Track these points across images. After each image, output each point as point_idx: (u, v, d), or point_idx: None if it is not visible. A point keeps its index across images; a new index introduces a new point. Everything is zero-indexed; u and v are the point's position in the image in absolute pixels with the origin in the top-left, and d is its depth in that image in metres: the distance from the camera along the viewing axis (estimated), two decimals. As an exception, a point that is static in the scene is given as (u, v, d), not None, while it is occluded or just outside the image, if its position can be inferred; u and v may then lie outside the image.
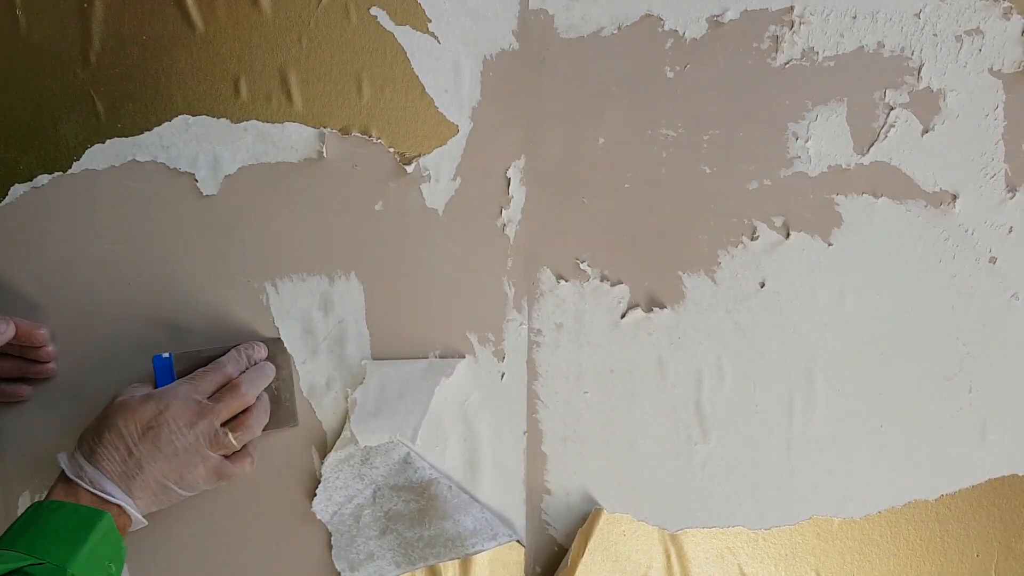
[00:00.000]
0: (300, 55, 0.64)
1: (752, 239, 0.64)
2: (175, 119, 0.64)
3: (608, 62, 0.64)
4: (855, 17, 0.62)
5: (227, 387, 0.58)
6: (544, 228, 0.65)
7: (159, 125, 0.64)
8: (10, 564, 0.48)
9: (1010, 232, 0.63)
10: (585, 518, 0.65)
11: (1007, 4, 0.61)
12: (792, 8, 0.62)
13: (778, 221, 0.64)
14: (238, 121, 0.64)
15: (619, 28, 0.63)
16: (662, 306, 0.64)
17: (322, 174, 0.64)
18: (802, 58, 0.63)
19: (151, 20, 0.64)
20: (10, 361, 0.62)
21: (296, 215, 0.64)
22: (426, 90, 0.64)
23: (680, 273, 0.64)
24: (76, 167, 0.64)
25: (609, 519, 0.64)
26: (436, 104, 0.64)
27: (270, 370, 0.62)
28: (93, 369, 0.64)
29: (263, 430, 0.60)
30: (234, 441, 0.57)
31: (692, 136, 0.63)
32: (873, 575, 0.65)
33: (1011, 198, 0.63)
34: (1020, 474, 0.64)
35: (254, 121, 0.64)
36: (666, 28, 0.63)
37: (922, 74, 0.62)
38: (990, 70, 0.62)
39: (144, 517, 0.55)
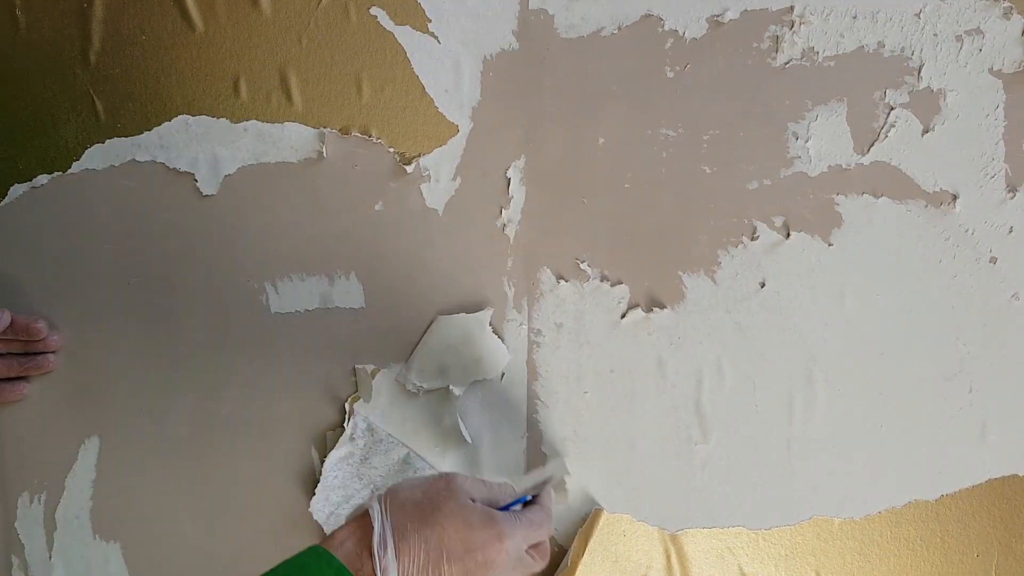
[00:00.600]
0: (300, 55, 0.64)
1: (752, 239, 0.64)
2: (175, 119, 0.64)
3: (608, 62, 0.63)
4: (855, 17, 0.62)
5: (540, 544, 0.53)
6: (544, 228, 0.65)
7: (159, 125, 0.64)
8: None
9: (1010, 232, 0.63)
10: (585, 518, 0.65)
11: (1007, 4, 0.61)
12: (792, 8, 0.62)
13: (778, 221, 0.64)
14: (238, 121, 0.64)
15: (619, 28, 0.63)
16: (662, 306, 0.64)
17: (322, 174, 0.64)
18: (802, 58, 0.63)
19: (151, 20, 0.64)
20: (9, 360, 0.62)
21: (296, 215, 0.64)
22: (426, 90, 0.64)
23: (680, 273, 0.64)
24: (76, 167, 0.64)
25: (609, 519, 0.64)
26: (436, 104, 0.64)
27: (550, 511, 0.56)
28: (93, 369, 0.64)
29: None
30: (535, 567, 0.52)
31: (692, 136, 0.63)
32: (873, 575, 0.65)
33: (1011, 198, 0.63)
34: (1020, 474, 0.64)
35: (254, 121, 0.64)
36: (666, 28, 0.63)
37: (922, 74, 0.62)
38: (990, 70, 0.62)
39: None
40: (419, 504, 0.49)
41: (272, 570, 0.46)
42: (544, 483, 0.57)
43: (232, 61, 0.64)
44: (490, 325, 0.62)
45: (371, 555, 0.46)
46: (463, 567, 0.48)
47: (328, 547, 0.47)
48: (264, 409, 0.64)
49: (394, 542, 0.47)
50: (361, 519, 0.48)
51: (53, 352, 0.63)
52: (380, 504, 0.48)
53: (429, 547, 0.47)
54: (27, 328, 0.60)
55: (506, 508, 0.52)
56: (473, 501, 0.50)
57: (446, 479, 0.51)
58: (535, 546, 0.52)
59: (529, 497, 0.55)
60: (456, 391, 0.62)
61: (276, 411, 0.64)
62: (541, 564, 0.53)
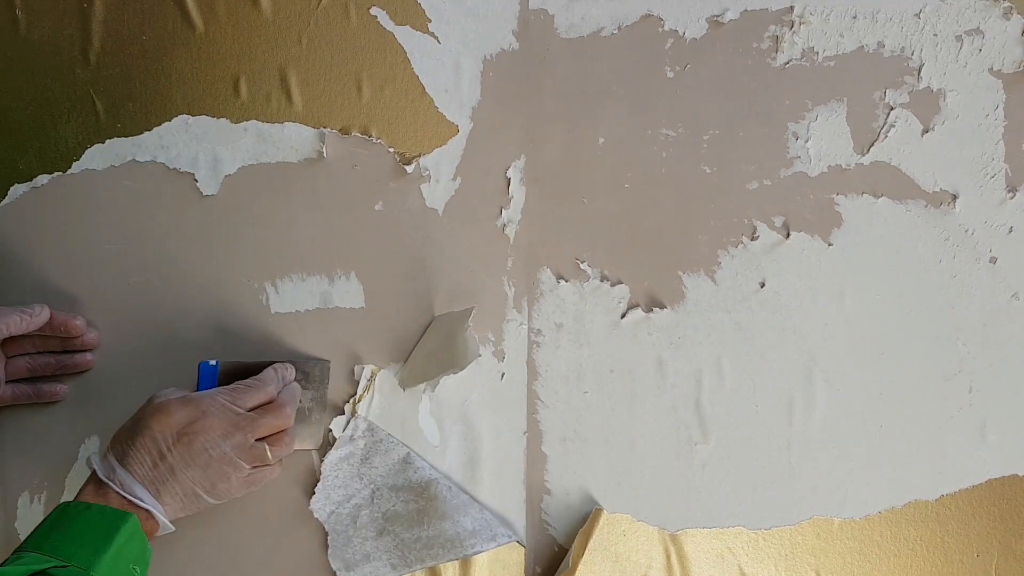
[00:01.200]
0: (300, 55, 0.64)
1: (752, 239, 0.64)
2: (175, 119, 0.64)
3: (608, 62, 0.63)
4: (855, 17, 0.62)
5: (270, 406, 0.58)
6: (544, 228, 0.65)
7: (159, 125, 0.64)
8: (33, 566, 0.48)
9: (1010, 232, 0.63)
10: (585, 518, 0.65)
11: (1007, 4, 0.61)
12: (792, 8, 0.62)
13: (778, 221, 0.64)
14: (238, 121, 0.64)
15: (619, 28, 0.63)
16: (662, 306, 0.64)
17: (322, 174, 0.64)
18: (802, 58, 0.63)
19: (151, 20, 0.64)
20: (46, 357, 0.61)
21: (296, 215, 0.64)
22: (426, 90, 0.64)
23: (680, 273, 0.64)
24: (76, 167, 0.64)
25: (609, 519, 0.64)
26: (436, 104, 0.64)
27: (298, 391, 0.61)
28: (93, 369, 0.64)
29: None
30: (271, 456, 0.57)
31: (692, 136, 0.63)
32: (873, 575, 0.65)
33: (1011, 198, 0.63)
34: (1020, 474, 0.64)
35: (254, 121, 0.64)
36: (666, 28, 0.63)
37: (922, 74, 0.62)
38: (990, 70, 0.62)
39: (172, 523, 0.55)
40: (130, 428, 0.55)
41: (34, 533, 0.51)
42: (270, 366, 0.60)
43: (232, 61, 0.64)
44: (470, 323, 0.62)
45: (106, 481, 0.52)
46: (183, 450, 0.54)
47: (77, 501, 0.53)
48: (264, 409, 0.64)
49: (118, 461, 0.53)
50: (89, 478, 0.54)
51: (91, 350, 0.63)
52: (99, 452, 0.55)
53: (148, 448, 0.54)
54: (65, 325, 0.60)
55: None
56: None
57: (147, 400, 0.56)
58: (273, 438, 0.57)
59: (216, 364, 0.60)
60: (429, 389, 0.63)
61: (276, 411, 0.64)
62: (278, 453, 0.57)
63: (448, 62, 0.64)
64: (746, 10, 0.63)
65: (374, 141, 0.64)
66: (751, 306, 0.64)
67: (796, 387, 0.64)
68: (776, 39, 0.63)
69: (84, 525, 0.51)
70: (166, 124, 0.64)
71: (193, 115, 0.64)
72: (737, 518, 0.64)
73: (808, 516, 0.64)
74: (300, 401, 0.62)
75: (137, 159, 0.64)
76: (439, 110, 0.64)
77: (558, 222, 0.65)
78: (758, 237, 0.64)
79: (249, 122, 0.64)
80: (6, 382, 0.60)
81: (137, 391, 0.59)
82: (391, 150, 0.64)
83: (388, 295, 0.64)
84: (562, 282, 0.65)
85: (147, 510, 0.53)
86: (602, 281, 0.64)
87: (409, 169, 0.64)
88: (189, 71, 0.64)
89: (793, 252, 0.64)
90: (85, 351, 0.62)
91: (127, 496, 0.53)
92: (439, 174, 0.64)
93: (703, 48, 0.63)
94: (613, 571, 0.64)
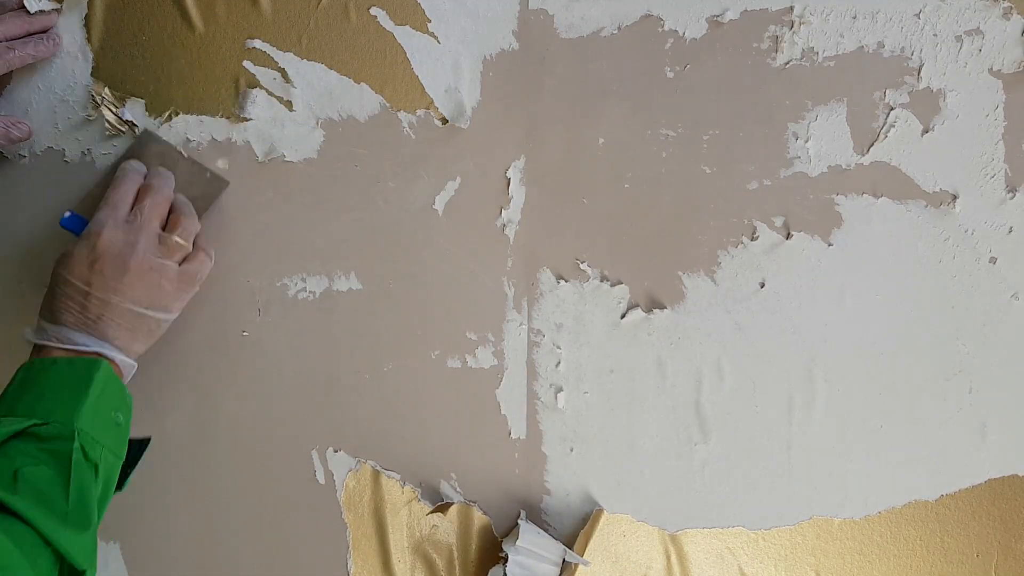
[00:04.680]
0: (300, 55, 0.64)
1: (752, 239, 0.64)
2: (175, 119, 0.64)
3: (608, 62, 0.63)
4: (855, 17, 0.62)
5: (142, 191, 0.57)
6: (544, 228, 0.65)
7: (159, 125, 0.64)
8: (14, 426, 0.47)
9: (1010, 232, 0.63)
10: (585, 519, 0.64)
11: (1007, 4, 0.61)
12: (792, 8, 0.62)
13: (778, 221, 0.64)
14: (237, 121, 0.64)
15: (619, 28, 0.63)
16: (662, 306, 0.64)
17: (322, 174, 0.64)
18: (802, 58, 0.63)
19: (151, 20, 0.64)
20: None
21: (296, 215, 0.64)
22: (426, 90, 0.64)
23: (680, 273, 0.64)
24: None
25: (609, 520, 0.64)
26: (436, 104, 0.64)
27: (165, 171, 0.60)
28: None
29: (203, 214, 0.60)
30: (181, 240, 0.56)
31: (692, 136, 0.63)
32: (873, 575, 0.65)
33: (1011, 198, 0.63)
34: (1020, 474, 0.64)
35: (254, 121, 0.64)
36: (666, 28, 0.63)
37: (922, 74, 0.62)
38: (990, 70, 0.62)
39: (134, 361, 0.54)
40: (47, 292, 0.54)
41: (4, 396, 0.50)
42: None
43: (232, 61, 0.64)
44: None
45: (45, 344, 0.52)
46: (100, 280, 0.52)
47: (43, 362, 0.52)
48: (264, 409, 0.64)
49: (48, 322, 0.52)
50: (31, 353, 0.53)
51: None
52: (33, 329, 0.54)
53: (68, 295, 0.52)
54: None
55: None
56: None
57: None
58: (171, 221, 0.56)
59: (70, 212, 0.59)
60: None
61: (276, 411, 0.64)
62: (186, 233, 0.56)
63: (448, 62, 0.64)
64: (746, 10, 0.63)
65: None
66: (751, 306, 0.64)
67: (796, 387, 0.64)
68: (776, 39, 0.63)
69: (55, 380, 0.50)
70: (166, 124, 0.64)
71: (193, 115, 0.64)
72: (737, 518, 0.64)
73: (808, 516, 0.64)
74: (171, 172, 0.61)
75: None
76: (439, 110, 0.64)
77: (558, 222, 0.65)
78: (758, 237, 0.64)
79: (249, 122, 0.64)
80: None
81: (137, 391, 0.59)
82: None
83: (388, 295, 0.64)
84: (562, 282, 0.65)
85: (96, 353, 0.52)
86: (602, 281, 0.64)
87: (408, 168, 0.64)
88: (189, 71, 0.64)
89: (793, 252, 0.64)
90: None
91: (69, 347, 0.52)
92: (439, 174, 0.64)
93: (703, 48, 0.63)
94: (613, 571, 0.64)
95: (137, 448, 0.56)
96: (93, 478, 0.49)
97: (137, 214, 0.55)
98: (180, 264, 0.57)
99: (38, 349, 0.53)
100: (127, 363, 0.54)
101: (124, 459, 0.53)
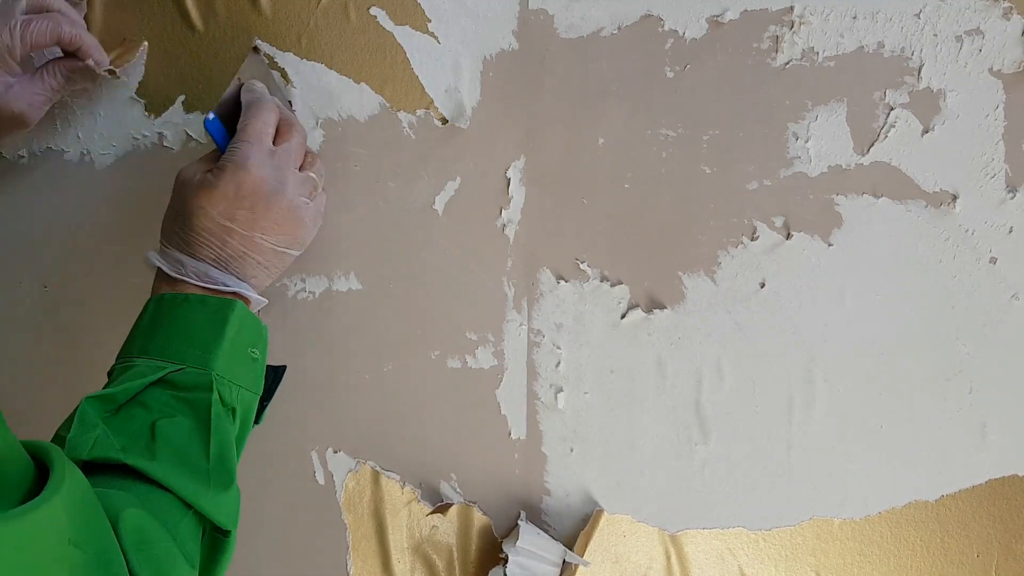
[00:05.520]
0: (300, 55, 0.64)
1: (752, 239, 0.64)
2: (175, 119, 0.64)
3: (608, 62, 0.63)
4: (855, 17, 0.62)
5: (283, 127, 0.54)
6: (544, 228, 0.65)
7: (159, 125, 0.64)
8: (149, 376, 0.45)
9: (1010, 232, 0.63)
10: (585, 519, 0.64)
11: (1007, 4, 0.61)
12: (792, 8, 0.62)
13: (778, 221, 0.64)
14: (238, 121, 0.64)
15: (619, 28, 0.63)
16: (662, 306, 0.64)
17: (322, 174, 0.64)
18: (802, 58, 0.63)
19: (151, 20, 0.64)
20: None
21: (296, 215, 0.64)
22: (426, 90, 0.64)
23: (680, 273, 0.64)
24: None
25: (609, 520, 0.64)
26: (436, 104, 0.64)
27: (272, 96, 0.58)
28: (93, 369, 0.63)
29: None
30: (317, 177, 0.54)
31: (692, 136, 0.63)
32: (873, 575, 0.65)
33: (1011, 198, 0.63)
34: (1020, 474, 0.64)
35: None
36: (666, 28, 0.63)
37: (922, 74, 0.62)
38: (990, 70, 0.62)
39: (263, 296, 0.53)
40: (179, 216, 0.50)
41: (135, 334, 0.49)
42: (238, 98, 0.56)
43: (232, 61, 0.64)
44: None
45: (181, 278, 0.50)
46: (247, 217, 0.50)
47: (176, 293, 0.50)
48: (264, 409, 0.64)
49: (184, 253, 0.50)
50: (157, 278, 0.52)
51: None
52: (155, 250, 0.52)
53: (210, 230, 0.49)
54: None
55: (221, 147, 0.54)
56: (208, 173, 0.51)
57: (178, 181, 0.52)
58: (307, 159, 0.55)
59: (213, 116, 0.55)
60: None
61: (276, 411, 0.64)
62: (320, 170, 0.55)
63: (448, 62, 0.64)
64: (746, 10, 0.63)
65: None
66: (751, 306, 0.64)
67: (796, 387, 0.64)
68: (776, 39, 0.63)
69: (190, 320, 0.48)
70: (166, 124, 0.64)
71: (193, 115, 0.64)
72: (737, 518, 0.64)
73: (808, 516, 0.64)
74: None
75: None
76: (439, 110, 0.64)
77: (558, 222, 0.65)
78: (758, 237, 0.64)
79: (249, 122, 0.64)
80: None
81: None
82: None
83: (388, 295, 0.64)
84: (562, 282, 0.65)
85: (235, 293, 0.50)
86: (602, 281, 0.64)
87: (405, 168, 0.64)
88: (189, 71, 0.64)
89: (793, 252, 0.64)
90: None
91: (208, 285, 0.49)
92: (439, 174, 0.64)
93: (703, 48, 0.63)
94: (613, 572, 0.64)
95: (272, 377, 0.54)
96: (231, 424, 0.47)
97: (286, 155, 0.53)
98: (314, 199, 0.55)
99: (169, 280, 0.50)
100: (260, 301, 0.52)
101: (261, 393, 0.52)
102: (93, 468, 0.43)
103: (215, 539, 0.46)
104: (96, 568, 0.34)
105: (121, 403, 0.45)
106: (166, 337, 0.47)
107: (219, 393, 0.47)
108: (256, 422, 0.53)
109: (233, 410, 0.48)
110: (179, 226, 0.50)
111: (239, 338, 0.49)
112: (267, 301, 0.54)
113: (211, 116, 0.54)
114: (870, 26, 0.62)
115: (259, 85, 0.58)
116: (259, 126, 0.52)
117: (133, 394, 0.45)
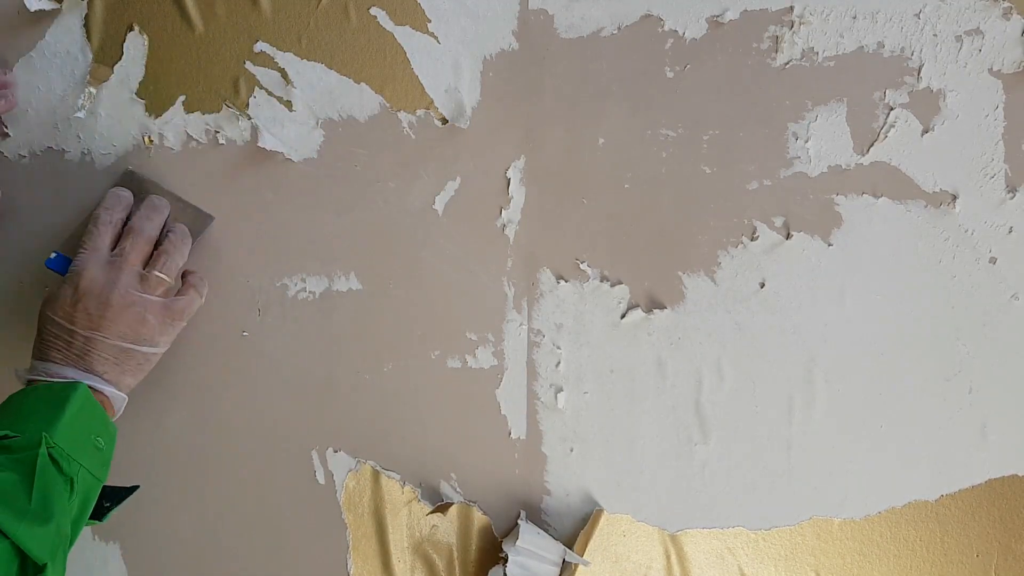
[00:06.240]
0: (300, 55, 0.64)
1: (752, 239, 0.64)
2: (174, 119, 0.64)
3: (608, 62, 0.63)
4: (855, 17, 0.62)
5: (127, 231, 0.58)
6: (544, 228, 0.65)
7: (159, 125, 0.64)
8: None
9: (1010, 232, 0.63)
10: (585, 519, 0.64)
11: (1007, 4, 0.61)
12: (792, 8, 0.62)
13: (778, 221, 0.64)
14: (237, 121, 0.64)
15: (619, 28, 0.63)
16: (662, 306, 0.64)
17: (322, 174, 0.64)
18: (802, 58, 0.63)
19: (151, 20, 0.64)
20: None
21: (296, 215, 0.64)
22: (426, 90, 0.64)
23: (680, 273, 0.64)
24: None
25: (609, 520, 0.64)
26: (436, 104, 0.64)
27: (158, 200, 0.61)
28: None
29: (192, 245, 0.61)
30: (161, 275, 0.57)
31: (692, 136, 0.63)
32: (873, 575, 0.65)
33: (1011, 198, 0.63)
34: (1020, 474, 0.64)
35: (253, 121, 0.64)
36: (666, 28, 0.63)
37: (922, 74, 0.62)
38: (990, 70, 0.62)
39: (124, 394, 0.55)
40: (35, 338, 0.55)
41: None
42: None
43: (232, 61, 0.64)
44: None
45: (34, 379, 0.53)
46: (84, 317, 0.54)
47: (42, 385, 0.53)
48: (264, 409, 0.64)
49: (38, 360, 0.54)
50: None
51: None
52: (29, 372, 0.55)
53: (54, 334, 0.54)
54: None
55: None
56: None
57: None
58: (154, 257, 0.58)
59: (55, 253, 0.60)
60: None
61: (276, 411, 0.64)
62: (169, 269, 0.57)
63: (448, 62, 0.64)
64: (746, 10, 0.63)
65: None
66: (751, 306, 0.64)
67: (796, 387, 0.64)
68: (776, 39, 0.63)
69: (33, 402, 0.51)
70: (166, 124, 0.64)
71: (193, 114, 0.64)
72: (737, 518, 0.64)
73: (808, 516, 0.64)
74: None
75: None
76: (439, 110, 0.64)
77: (558, 222, 0.65)
78: (758, 237, 0.64)
79: (248, 122, 0.64)
80: None
81: (137, 391, 0.59)
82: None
83: (388, 295, 0.64)
84: (562, 282, 0.65)
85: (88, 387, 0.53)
86: (602, 281, 0.64)
87: (406, 168, 0.64)
88: (189, 71, 0.64)
89: (793, 252, 0.64)
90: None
91: (57, 380, 0.53)
92: (438, 174, 0.64)
93: (703, 48, 0.63)
94: (613, 572, 0.64)
95: (125, 491, 0.56)
96: (64, 487, 0.49)
97: (120, 253, 0.57)
98: (166, 298, 0.58)
99: (28, 383, 0.54)
100: (117, 396, 0.55)
101: (104, 488, 0.54)
102: None
103: (33, 573, 0.47)
104: None
105: None
106: (12, 417, 0.50)
107: (52, 456, 0.49)
108: (99, 519, 0.54)
109: (72, 481, 0.50)
110: (36, 337, 0.55)
111: (81, 419, 0.51)
112: (126, 398, 0.56)
113: (52, 255, 0.60)
114: (870, 26, 0.62)
115: (113, 198, 0.60)
116: (95, 236, 0.57)
117: None
